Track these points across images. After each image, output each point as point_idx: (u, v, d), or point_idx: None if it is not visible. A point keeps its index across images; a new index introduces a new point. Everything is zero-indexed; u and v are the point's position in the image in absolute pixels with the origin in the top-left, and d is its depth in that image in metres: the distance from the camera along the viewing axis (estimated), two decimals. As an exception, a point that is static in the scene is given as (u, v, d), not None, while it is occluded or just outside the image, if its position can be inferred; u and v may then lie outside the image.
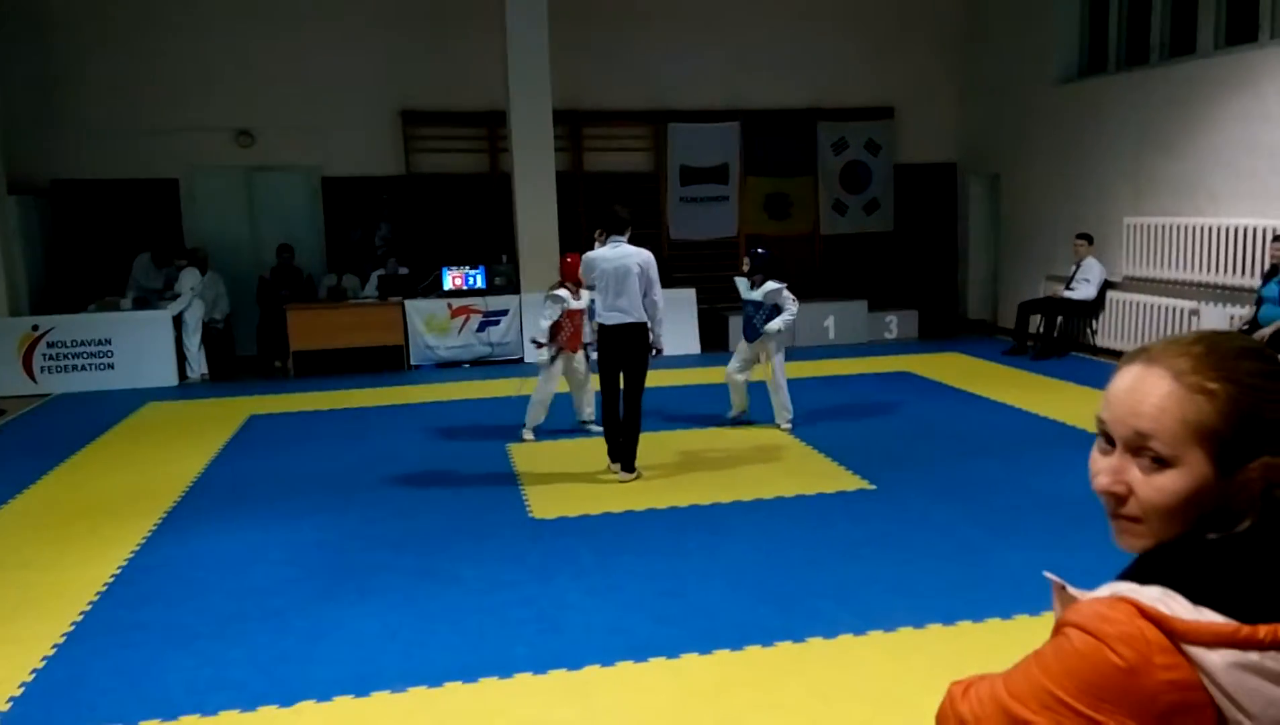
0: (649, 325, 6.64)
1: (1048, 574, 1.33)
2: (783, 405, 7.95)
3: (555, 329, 7.64)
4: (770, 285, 7.73)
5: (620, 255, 6.58)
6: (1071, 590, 1.18)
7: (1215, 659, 1.00)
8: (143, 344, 10.71)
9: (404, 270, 11.84)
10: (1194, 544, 1.09)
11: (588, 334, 7.77)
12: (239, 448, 7.94)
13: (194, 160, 12.02)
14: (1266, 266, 8.66)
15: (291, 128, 12.07)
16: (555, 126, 11.59)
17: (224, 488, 6.80)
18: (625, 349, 6.58)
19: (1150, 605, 1.03)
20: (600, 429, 7.62)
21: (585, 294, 7.60)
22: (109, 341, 10.65)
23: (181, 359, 10.99)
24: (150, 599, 4.88)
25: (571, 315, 7.70)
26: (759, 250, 8.04)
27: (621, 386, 6.65)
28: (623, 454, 6.69)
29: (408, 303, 11.40)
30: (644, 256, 6.61)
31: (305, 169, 12.30)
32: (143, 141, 11.72)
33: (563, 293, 7.61)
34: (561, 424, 8.41)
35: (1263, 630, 0.99)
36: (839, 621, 4.37)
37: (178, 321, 10.92)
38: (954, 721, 1.18)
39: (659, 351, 6.83)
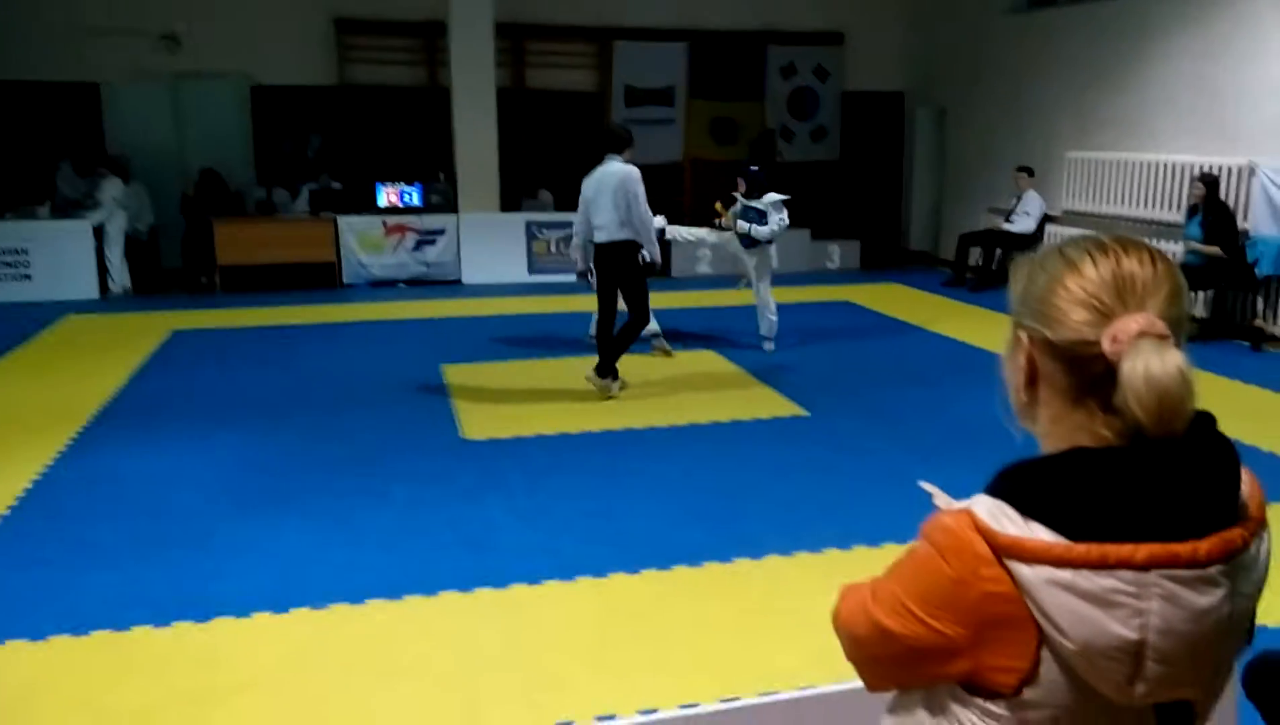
0: (637, 241, 6.55)
1: (923, 484, 1.36)
2: (769, 326, 8.07)
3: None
4: (772, 195, 7.89)
5: (601, 174, 6.51)
6: (938, 499, 1.21)
7: (1032, 575, 1.01)
8: (62, 254, 10.30)
9: (337, 185, 11.49)
10: (1038, 458, 1.11)
11: None
12: (161, 364, 7.70)
13: (117, 65, 11.43)
14: (1186, 206, 8.75)
15: (220, 33, 11.52)
16: (497, 40, 11.24)
17: (145, 404, 6.60)
18: (612, 267, 6.54)
19: (982, 518, 1.05)
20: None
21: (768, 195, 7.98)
22: (25, 251, 10.23)
23: (103, 271, 10.60)
24: (64, 514, 4.72)
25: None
26: (753, 168, 8.28)
27: (621, 306, 6.66)
28: (601, 357, 6.63)
29: (340, 219, 11.08)
30: (624, 173, 6.45)
31: (234, 77, 11.78)
32: (63, 43, 11.11)
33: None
34: (501, 345, 8.31)
35: (1077, 549, 1.00)
36: (766, 543, 4.38)
37: (99, 232, 10.50)
38: (837, 622, 1.27)
39: (654, 263, 6.76)
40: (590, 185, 6.54)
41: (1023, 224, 11.04)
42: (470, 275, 11.42)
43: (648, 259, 6.67)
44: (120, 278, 10.72)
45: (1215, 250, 8.18)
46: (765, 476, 5.25)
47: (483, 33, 11.03)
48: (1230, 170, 8.61)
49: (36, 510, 4.77)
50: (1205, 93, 8.95)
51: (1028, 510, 1.04)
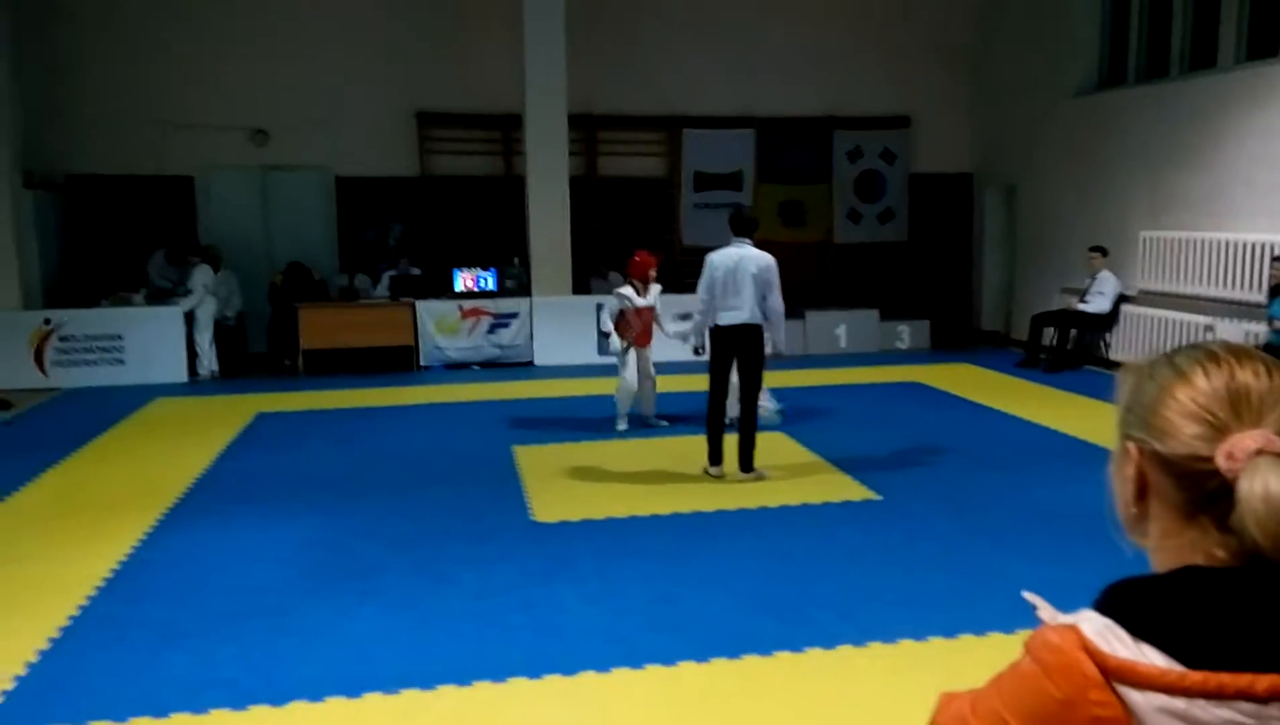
0: (764, 327, 6.64)
1: (1026, 595, 1.32)
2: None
3: (624, 325, 8.07)
4: None
5: (738, 256, 6.57)
6: (1043, 613, 1.17)
7: (1143, 701, 0.98)
8: (154, 340, 10.74)
9: (416, 271, 11.86)
10: (1151, 577, 1.07)
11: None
12: (245, 445, 7.94)
13: (209, 158, 12.06)
14: (1268, 286, 8.55)
15: (306, 127, 12.10)
16: (570, 130, 11.60)
17: (228, 485, 6.80)
18: (738, 348, 6.59)
19: (1091, 638, 1.01)
20: (664, 424, 8.22)
21: (654, 290, 8.07)
22: (120, 337, 10.69)
23: (192, 356, 11.02)
24: (147, 595, 4.86)
25: (640, 312, 8.00)
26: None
27: (735, 386, 6.73)
28: (741, 456, 6.72)
29: (419, 303, 11.40)
30: (763, 260, 6.56)
31: (319, 168, 12.32)
32: (158, 138, 11.77)
33: (626, 291, 8.05)
34: (571, 428, 8.40)
35: (1192, 677, 0.96)
36: (839, 633, 4.31)
37: (189, 318, 10.94)
38: None
39: (779, 353, 6.87)
40: (722, 266, 6.56)
41: (1098, 304, 10.87)
42: (542, 357, 11.61)
43: (776, 347, 6.79)
44: (209, 362, 11.12)
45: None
46: (837, 563, 5.18)
47: (557, 124, 11.38)
48: (1314, 249, 8.42)
49: (122, 592, 4.91)
50: (1282, 170, 8.81)
51: (1139, 631, 1.00)
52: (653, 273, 8.10)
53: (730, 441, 6.79)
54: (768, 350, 6.74)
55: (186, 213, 12.08)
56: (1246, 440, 1.01)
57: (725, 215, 12.81)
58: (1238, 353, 1.09)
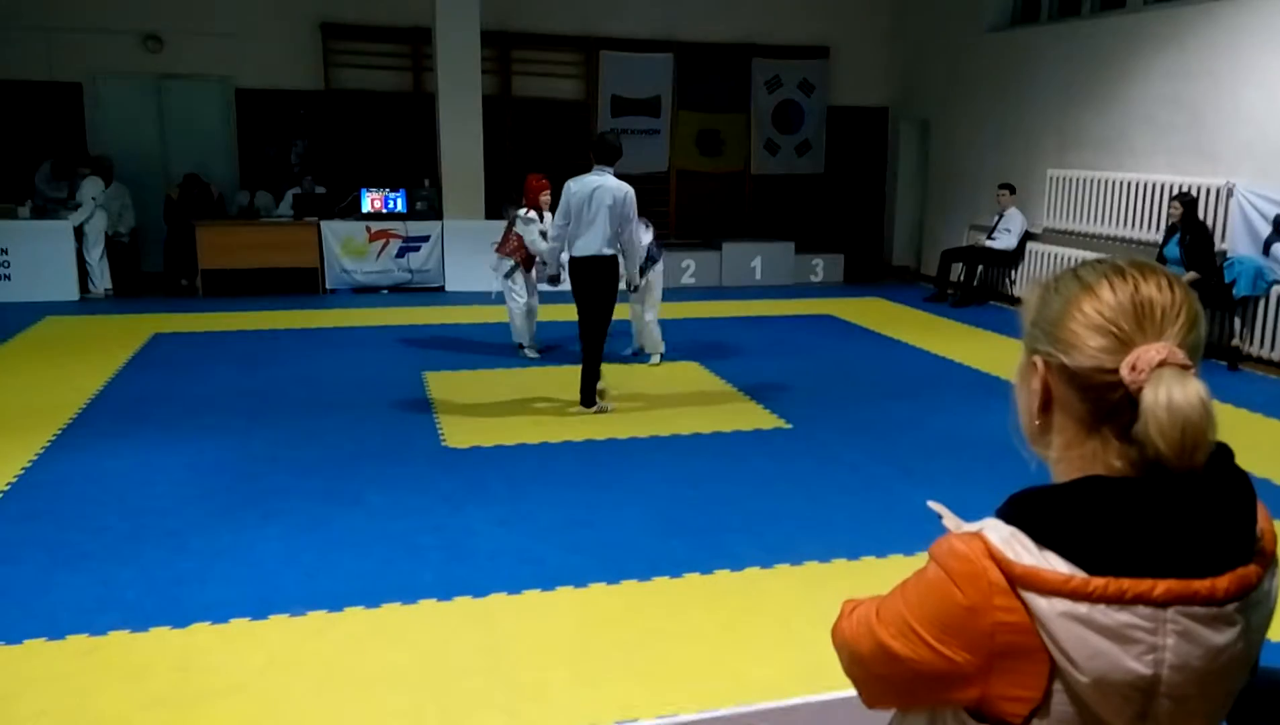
0: (619, 259, 6.43)
1: (931, 504, 1.34)
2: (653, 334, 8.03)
3: (510, 246, 7.98)
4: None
5: (596, 185, 6.31)
6: (947, 521, 1.19)
7: (1046, 606, 1.00)
8: (42, 255, 10.22)
9: (321, 190, 11.46)
10: (1054, 486, 1.08)
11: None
12: (141, 366, 7.65)
13: (99, 64, 11.38)
14: (1168, 224, 8.85)
15: (204, 35, 11.49)
16: (483, 48, 11.26)
17: (123, 406, 6.55)
18: (592, 281, 6.37)
19: (996, 546, 1.03)
20: (535, 356, 8.11)
21: (548, 215, 7.78)
22: (5, 251, 10.15)
23: (83, 273, 10.53)
24: (39, 516, 4.68)
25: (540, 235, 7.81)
26: None
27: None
28: (583, 389, 6.58)
29: (324, 224, 11.04)
30: (621, 190, 6.31)
31: (218, 79, 11.74)
32: (44, 41, 11.05)
33: (533, 215, 7.83)
34: (484, 353, 8.30)
35: (1094, 583, 0.99)
36: (747, 555, 4.39)
37: (79, 233, 10.42)
38: (838, 638, 1.25)
39: (633, 286, 6.70)
40: (578, 194, 6.33)
41: (1004, 241, 11.12)
42: (454, 282, 11.40)
43: (630, 280, 6.61)
44: (100, 279, 10.64)
45: (1192, 275, 8.24)
46: (747, 489, 5.26)
47: (469, 40, 11.04)
48: (1209, 190, 8.72)
49: (13, 512, 4.72)
50: (1184, 112, 9.06)
51: (1043, 539, 1.02)
52: (545, 197, 7.88)
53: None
54: (630, 282, 6.63)
55: (75, 122, 11.42)
56: (1150, 352, 1.02)
57: (644, 141, 12.91)
58: (1142, 267, 1.10)
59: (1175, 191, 8.92)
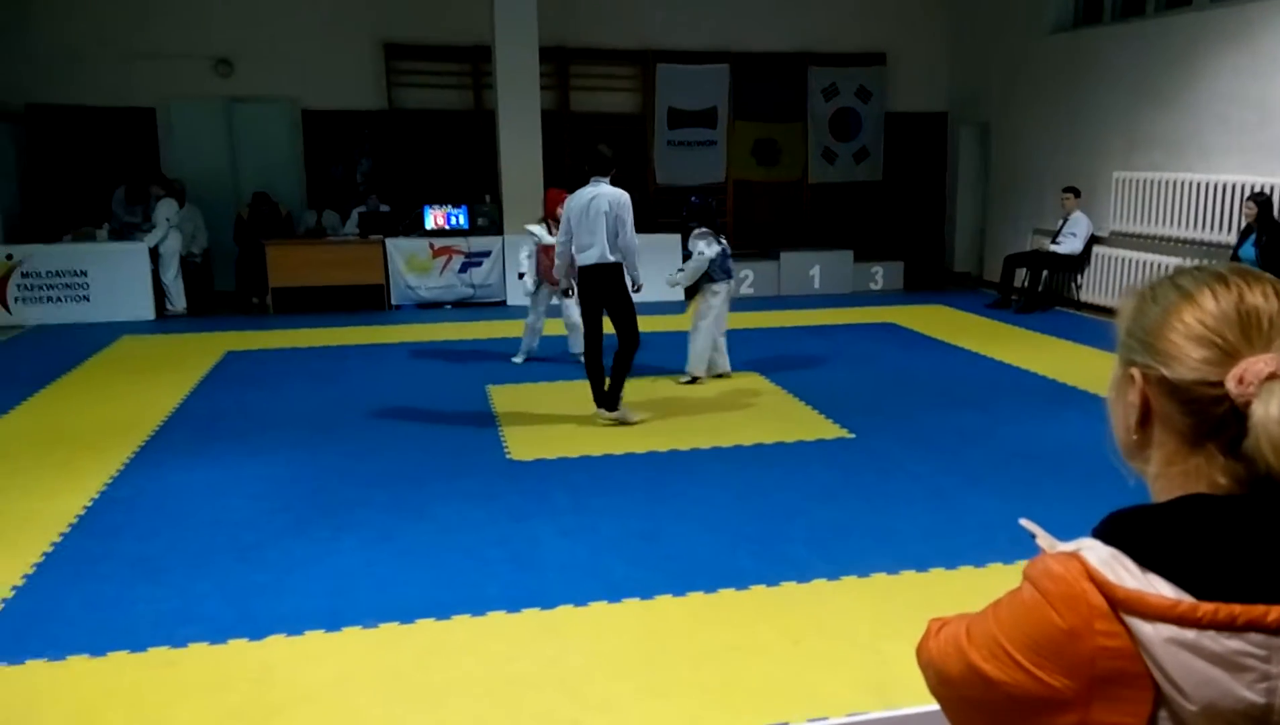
0: (623, 265, 6.50)
1: (1023, 522, 1.29)
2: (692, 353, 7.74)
3: (537, 261, 8.07)
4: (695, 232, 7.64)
5: (592, 195, 6.45)
6: (1041, 540, 1.15)
7: (1152, 632, 0.95)
8: (119, 276, 10.56)
9: (385, 208, 11.68)
10: (1157, 505, 1.04)
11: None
12: (216, 383, 7.87)
13: (172, 89, 11.75)
14: (1242, 226, 8.62)
15: (271, 58, 11.81)
16: (541, 64, 11.39)
17: (199, 423, 6.74)
18: (599, 290, 6.50)
19: (1096, 568, 0.98)
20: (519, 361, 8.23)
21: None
22: (85, 273, 10.50)
23: (159, 292, 10.86)
24: (121, 531, 4.84)
25: (547, 250, 7.83)
26: (692, 198, 8.00)
27: (609, 328, 6.58)
28: (609, 392, 6.62)
29: (389, 241, 11.25)
30: (615, 197, 6.43)
31: (285, 100, 12.05)
32: (120, 68, 11.46)
33: (535, 228, 7.95)
34: (546, 366, 8.38)
35: (1203, 608, 0.94)
36: (813, 567, 4.37)
37: (154, 254, 10.75)
38: (924, 657, 1.20)
39: (638, 287, 6.69)
40: (577, 207, 6.48)
41: (1070, 245, 10.93)
42: (515, 296, 11.50)
43: (634, 284, 6.62)
44: (176, 299, 10.96)
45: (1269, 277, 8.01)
46: (811, 499, 5.24)
47: (528, 56, 11.18)
48: (1283, 190, 8.49)
49: (96, 528, 4.89)
50: (1254, 110, 8.84)
51: (1147, 561, 0.97)
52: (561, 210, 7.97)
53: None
54: (635, 282, 6.60)
55: (149, 145, 11.80)
56: (1259, 364, 0.98)
57: (701, 153, 12.94)
58: (1244, 274, 1.05)
59: (1247, 192, 8.69)
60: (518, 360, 8.34)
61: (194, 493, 5.37)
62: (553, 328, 9.02)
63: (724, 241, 7.69)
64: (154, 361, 8.65)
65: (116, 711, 3.32)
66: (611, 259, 6.44)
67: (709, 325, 7.68)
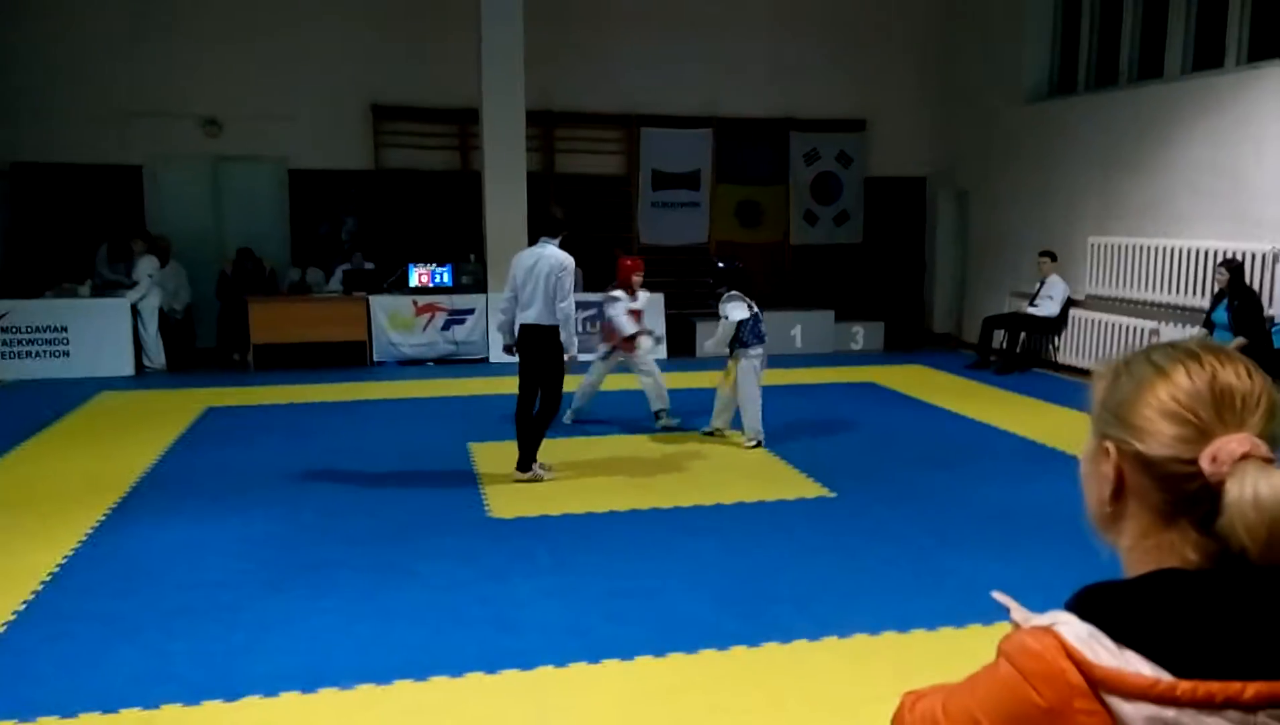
0: (559, 329, 6.46)
1: (996, 595, 1.30)
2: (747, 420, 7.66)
3: (605, 329, 8.19)
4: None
5: (536, 256, 6.50)
6: (1015, 614, 1.15)
7: (1132, 711, 0.96)
8: (100, 332, 10.52)
9: (369, 265, 11.73)
10: (1131, 580, 1.05)
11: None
12: (194, 440, 7.82)
13: (159, 148, 11.84)
14: (1215, 291, 8.77)
15: (259, 117, 11.92)
16: (528, 126, 11.56)
17: (177, 480, 6.68)
18: (532, 351, 6.51)
19: (1074, 645, 0.99)
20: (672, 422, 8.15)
21: (643, 295, 8.13)
22: (65, 328, 10.46)
23: (139, 348, 10.82)
24: (95, 590, 4.77)
25: (633, 314, 8.02)
26: (719, 263, 7.98)
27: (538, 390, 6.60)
28: (520, 452, 6.60)
29: (372, 298, 11.29)
30: (557, 260, 6.42)
31: (272, 160, 12.16)
32: (107, 127, 11.54)
33: (617, 293, 8.04)
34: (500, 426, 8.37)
35: (1182, 686, 0.95)
36: (795, 627, 4.35)
37: (136, 311, 10.73)
38: None
39: (570, 358, 6.58)
40: (521, 266, 6.50)
41: (1047, 308, 11.08)
42: (498, 354, 11.52)
43: (567, 352, 6.52)
44: (155, 355, 10.92)
45: (1240, 341, 8.15)
46: (792, 559, 5.23)
47: (514, 119, 11.34)
48: (1254, 256, 8.66)
49: (70, 585, 4.82)
50: (1226, 177, 9.05)
51: (1122, 638, 0.98)
52: (637, 278, 8.13)
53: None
54: (568, 352, 6.52)
55: (135, 203, 11.85)
56: (1231, 443, 0.99)
57: (684, 214, 13.10)
58: (1218, 353, 1.07)
59: (1219, 257, 8.86)
60: (567, 420, 8.14)
61: (170, 551, 5.31)
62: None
63: (754, 305, 7.57)
64: (132, 418, 8.60)
65: (86, 775, 3.25)
66: (547, 322, 6.44)
67: (754, 388, 7.53)
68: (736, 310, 7.46)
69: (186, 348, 11.42)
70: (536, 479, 6.62)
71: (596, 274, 12.21)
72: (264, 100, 11.90)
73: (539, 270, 6.43)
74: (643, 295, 8.20)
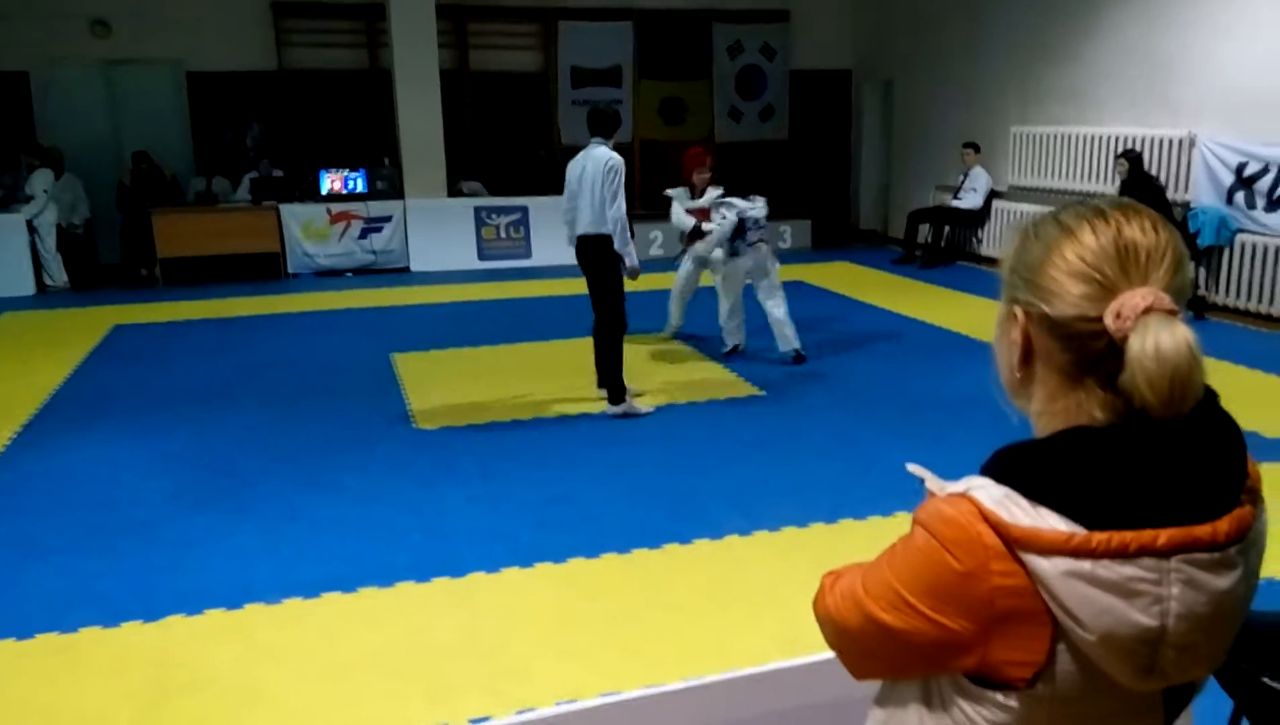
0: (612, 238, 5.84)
1: (910, 467, 1.29)
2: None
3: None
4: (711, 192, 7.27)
5: (584, 159, 5.88)
6: (930, 483, 1.14)
7: (1049, 567, 0.97)
8: (-6, 250, 9.99)
9: (278, 173, 11.24)
10: (1042, 440, 1.04)
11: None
12: (102, 358, 7.51)
13: (46, 52, 11.09)
14: (1116, 184, 8.88)
15: (153, 18, 11.22)
16: (438, 21, 11.08)
17: (86, 400, 6.42)
18: (587, 263, 5.96)
19: (990, 508, 0.99)
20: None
21: (711, 191, 7.34)
22: (-45, 247, 9.90)
23: (39, 267, 10.30)
24: (3, 514, 4.58)
25: (698, 213, 7.33)
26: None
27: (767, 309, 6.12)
28: (605, 387, 6.03)
29: (283, 207, 10.86)
30: (602, 162, 5.76)
31: (169, 62, 11.48)
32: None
33: (677, 191, 7.40)
34: (452, 333, 8.21)
35: (1096, 538, 0.96)
36: (726, 523, 4.37)
37: (32, 227, 10.18)
38: (821, 612, 1.20)
39: (632, 271, 5.97)
40: (571, 172, 5.95)
41: (970, 200, 11.14)
42: (419, 263, 11.28)
43: (628, 261, 5.93)
44: (56, 273, 10.42)
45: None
46: (723, 457, 5.24)
47: (424, 13, 10.86)
48: (1171, 141, 8.76)
49: (-26, 512, 4.62)
50: (1147, 64, 9.08)
51: (1037, 496, 0.98)
52: (702, 174, 7.39)
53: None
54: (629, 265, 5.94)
55: (23, 112, 11.14)
56: (1135, 298, 0.98)
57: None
58: (1125, 208, 1.05)
59: (1135, 145, 8.95)
60: (668, 332, 7.70)
61: (83, 473, 5.11)
62: (459, 295, 8.80)
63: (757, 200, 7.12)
64: (36, 338, 8.22)
65: (4, 702, 3.14)
66: (599, 231, 5.85)
67: (721, 292, 7.32)
68: (730, 212, 7.01)
69: (89, 264, 10.90)
70: (632, 413, 5.96)
71: (513, 178, 11.93)
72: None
73: (587, 175, 5.83)
74: (712, 191, 7.37)
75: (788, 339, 7.10)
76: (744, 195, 7.13)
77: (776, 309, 7.10)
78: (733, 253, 7.06)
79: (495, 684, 3.20)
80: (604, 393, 6.10)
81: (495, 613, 3.67)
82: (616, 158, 5.81)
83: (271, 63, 11.64)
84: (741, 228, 6.97)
